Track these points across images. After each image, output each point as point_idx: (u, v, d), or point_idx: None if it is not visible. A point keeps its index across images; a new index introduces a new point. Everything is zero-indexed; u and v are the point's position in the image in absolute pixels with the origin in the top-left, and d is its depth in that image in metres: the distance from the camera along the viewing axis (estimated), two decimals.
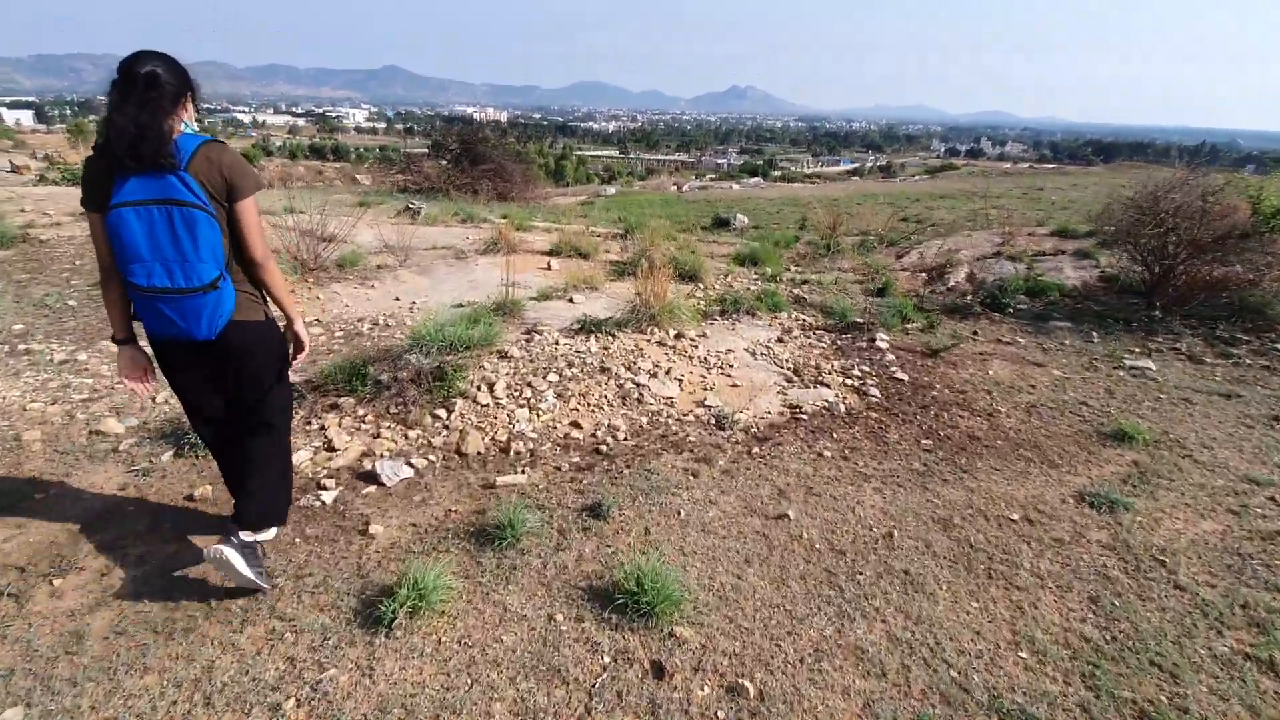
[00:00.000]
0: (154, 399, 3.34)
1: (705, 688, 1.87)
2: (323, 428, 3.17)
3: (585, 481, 2.90)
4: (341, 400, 3.37)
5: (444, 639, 1.98)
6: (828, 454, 3.26)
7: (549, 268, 6.31)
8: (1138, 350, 5.01)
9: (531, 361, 3.84)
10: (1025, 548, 2.61)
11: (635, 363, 3.96)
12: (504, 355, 3.88)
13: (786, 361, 4.36)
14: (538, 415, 3.39)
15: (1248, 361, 4.80)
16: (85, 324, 4.29)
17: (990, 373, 4.49)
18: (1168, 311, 5.66)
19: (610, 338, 4.26)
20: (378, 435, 3.14)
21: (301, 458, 2.92)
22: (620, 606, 2.11)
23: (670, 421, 3.48)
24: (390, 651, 1.92)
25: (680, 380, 3.89)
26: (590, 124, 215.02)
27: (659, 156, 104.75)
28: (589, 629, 2.05)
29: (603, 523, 2.59)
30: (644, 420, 3.46)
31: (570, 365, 3.84)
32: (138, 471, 2.78)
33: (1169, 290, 5.78)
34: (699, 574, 2.34)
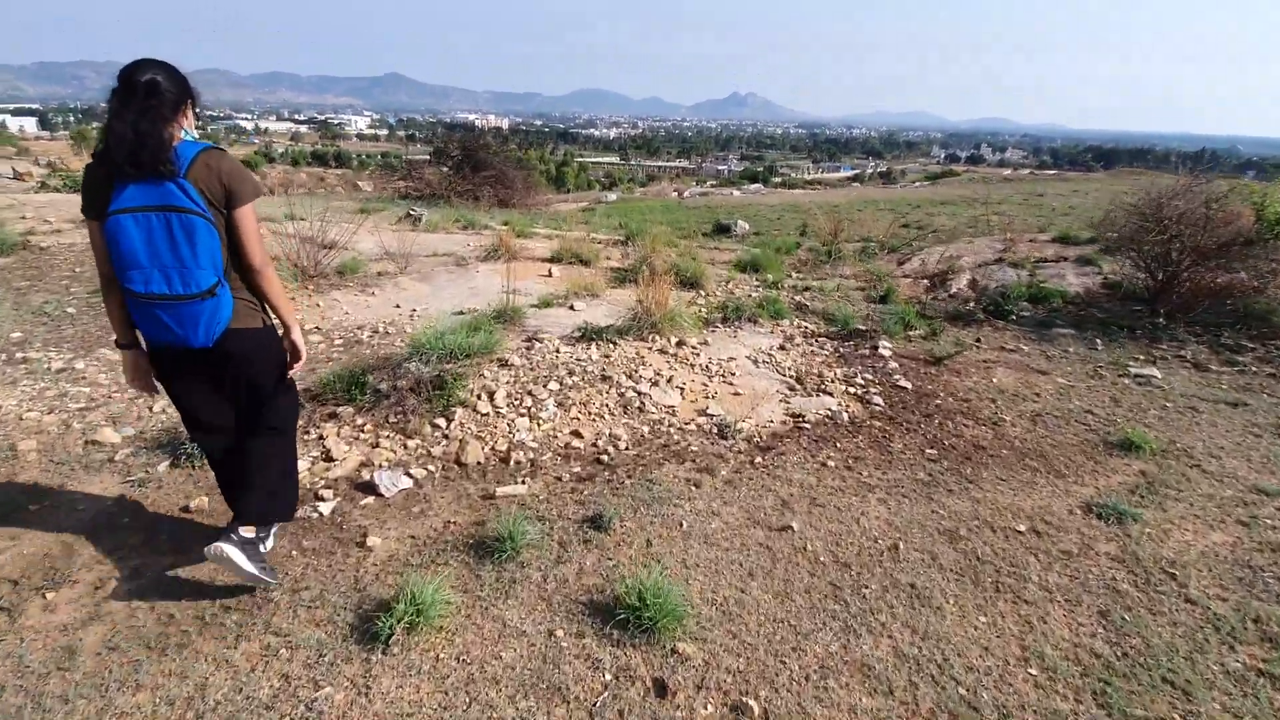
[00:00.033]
0: (151, 408, 3.32)
1: (709, 706, 1.83)
2: (321, 437, 3.14)
3: (586, 492, 2.86)
4: (340, 409, 3.35)
5: (442, 656, 1.95)
6: (831, 464, 3.23)
7: (550, 275, 6.29)
8: (1142, 358, 4.98)
9: (532, 370, 3.81)
10: (1033, 560, 2.57)
11: (636, 371, 3.93)
12: (504, 363, 3.85)
13: (789, 369, 4.33)
14: (538, 424, 3.36)
15: (1254, 369, 4.77)
16: (84, 332, 4.27)
17: (994, 381, 4.45)
18: (1172, 319, 5.63)
19: (611, 345, 4.23)
20: (376, 445, 3.11)
21: (299, 468, 2.88)
22: (622, 622, 2.07)
23: (672, 431, 3.45)
24: (387, 669, 1.89)
25: (682, 389, 3.85)
26: (591, 131, 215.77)
27: (660, 163, 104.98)
28: (590, 645, 2.02)
29: (604, 534, 2.56)
30: (645, 429, 3.43)
31: (571, 373, 3.80)
32: (134, 482, 2.75)
33: (1173, 297, 5.75)
34: (701, 587, 2.31)
